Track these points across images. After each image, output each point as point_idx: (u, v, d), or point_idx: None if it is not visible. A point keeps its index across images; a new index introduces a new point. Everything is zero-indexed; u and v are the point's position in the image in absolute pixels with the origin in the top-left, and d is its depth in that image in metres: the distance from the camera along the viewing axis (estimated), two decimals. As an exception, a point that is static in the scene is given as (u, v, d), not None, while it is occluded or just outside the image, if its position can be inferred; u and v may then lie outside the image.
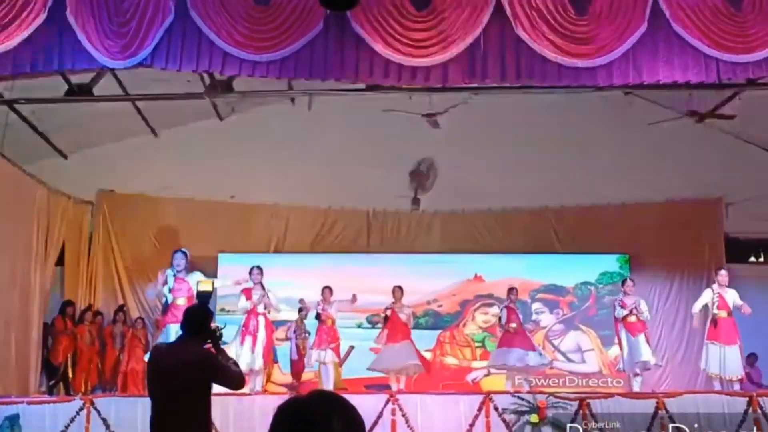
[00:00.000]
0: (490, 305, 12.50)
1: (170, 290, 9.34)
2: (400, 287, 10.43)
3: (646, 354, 9.82)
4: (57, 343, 11.05)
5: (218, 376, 4.83)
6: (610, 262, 12.89)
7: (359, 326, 11.96)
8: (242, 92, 10.33)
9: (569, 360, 12.11)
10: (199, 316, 5.06)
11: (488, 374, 11.77)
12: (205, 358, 4.82)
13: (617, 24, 7.59)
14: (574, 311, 12.50)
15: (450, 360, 12.59)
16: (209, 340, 4.89)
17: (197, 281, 9.07)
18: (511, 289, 10.79)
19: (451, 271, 12.71)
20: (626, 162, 12.67)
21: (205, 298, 5.43)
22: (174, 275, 9.48)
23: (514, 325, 10.31)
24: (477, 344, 12.55)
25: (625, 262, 12.87)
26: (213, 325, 5.06)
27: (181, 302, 9.08)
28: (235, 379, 4.90)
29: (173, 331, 8.45)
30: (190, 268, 9.59)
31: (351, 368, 11.23)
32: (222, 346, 4.94)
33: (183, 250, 9.82)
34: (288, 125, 12.47)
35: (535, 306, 12.60)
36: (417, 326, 10.83)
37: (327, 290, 10.30)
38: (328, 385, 9.80)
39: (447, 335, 12.63)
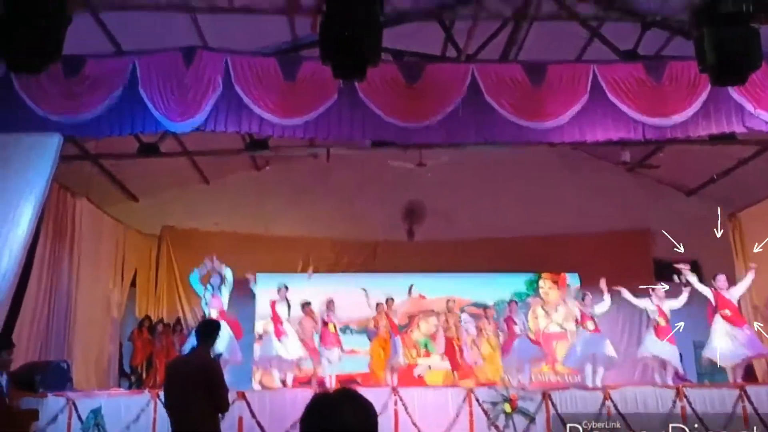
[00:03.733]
0: (430, 316, 12.32)
1: (207, 304, 9.25)
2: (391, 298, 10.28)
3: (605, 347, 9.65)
4: (136, 349, 10.97)
5: (214, 386, 4.54)
6: (520, 284, 12.76)
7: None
8: (274, 148, 10.35)
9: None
10: (209, 326, 4.99)
11: (429, 369, 11.64)
12: (209, 364, 4.65)
13: (565, 94, 7.58)
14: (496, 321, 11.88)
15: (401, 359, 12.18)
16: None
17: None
18: (511, 303, 10.62)
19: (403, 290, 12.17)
20: (575, 201, 12.62)
21: (216, 357, 5.30)
22: (212, 292, 9.41)
23: (518, 330, 10.06)
24: (422, 347, 12.29)
25: (530, 283, 12.75)
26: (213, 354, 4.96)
27: (215, 314, 8.96)
28: (223, 399, 4.63)
29: None
30: (234, 287, 9.52)
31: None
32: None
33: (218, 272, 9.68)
34: (310, 174, 12.49)
35: (464, 317, 12.30)
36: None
37: (330, 302, 10.03)
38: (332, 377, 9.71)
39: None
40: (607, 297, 9.69)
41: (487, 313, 10.60)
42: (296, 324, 10.09)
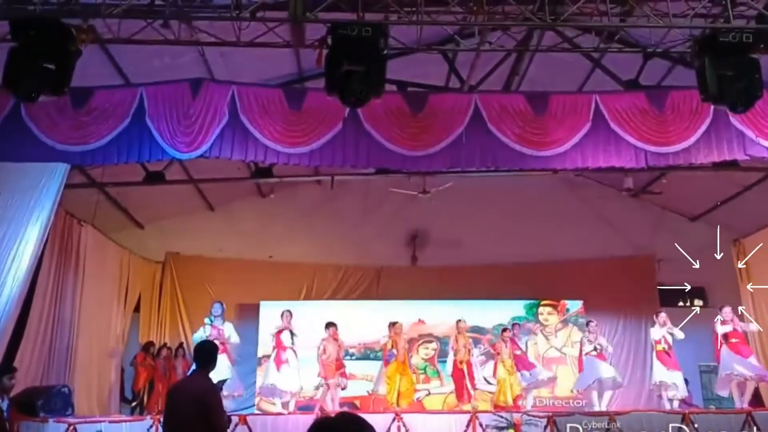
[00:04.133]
0: (430, 342, 12.31)
1: (207, 335, 9.21)
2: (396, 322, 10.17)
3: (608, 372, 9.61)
4: (138, 374, 10.92)
5: (211, 412, 4.44)
6: (519, 308, 12.66)
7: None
8: (279, 176, 10.40)
9: (489, 383, 11.15)
10: (207, 349, 4.88)
11: (429, 394, 11.68)
12: (209, 390, 4.58)
13: (568, 123, 7.59)
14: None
15: (399, 384, 12.21)
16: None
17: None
18: (514, 325, 10.78)
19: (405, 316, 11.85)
20: (579, 227, 12.62)
21: (221, 383, 5.21)
22: (211, 323, 9.39)
23: (518, 352, 10.21)
24: (420, 371, 12.16)
25: (530, 308, 12.65)
26: (216, 380, 4.87)
27: None
28: (220, 424, 4.56)
29: None
30: (236, 316, 9.49)
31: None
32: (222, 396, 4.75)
33: (220, 302, 9.75)
34: (314, 201, 12.56)
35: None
36: (376, 358, 10.63)
37: (333, 327, 9.86)
38: (335, 403, 9.54)
39: None
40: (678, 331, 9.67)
41: (503, 336, 10.41)
42: (314, 347, 9.86)
